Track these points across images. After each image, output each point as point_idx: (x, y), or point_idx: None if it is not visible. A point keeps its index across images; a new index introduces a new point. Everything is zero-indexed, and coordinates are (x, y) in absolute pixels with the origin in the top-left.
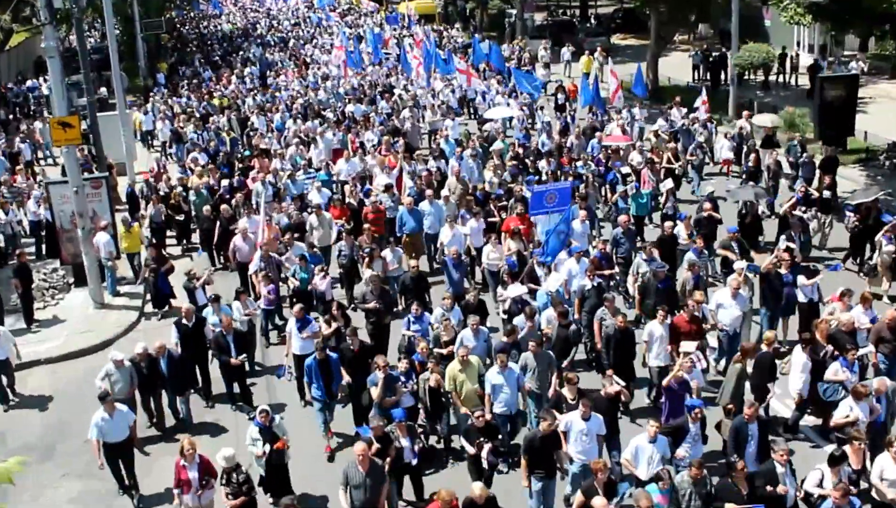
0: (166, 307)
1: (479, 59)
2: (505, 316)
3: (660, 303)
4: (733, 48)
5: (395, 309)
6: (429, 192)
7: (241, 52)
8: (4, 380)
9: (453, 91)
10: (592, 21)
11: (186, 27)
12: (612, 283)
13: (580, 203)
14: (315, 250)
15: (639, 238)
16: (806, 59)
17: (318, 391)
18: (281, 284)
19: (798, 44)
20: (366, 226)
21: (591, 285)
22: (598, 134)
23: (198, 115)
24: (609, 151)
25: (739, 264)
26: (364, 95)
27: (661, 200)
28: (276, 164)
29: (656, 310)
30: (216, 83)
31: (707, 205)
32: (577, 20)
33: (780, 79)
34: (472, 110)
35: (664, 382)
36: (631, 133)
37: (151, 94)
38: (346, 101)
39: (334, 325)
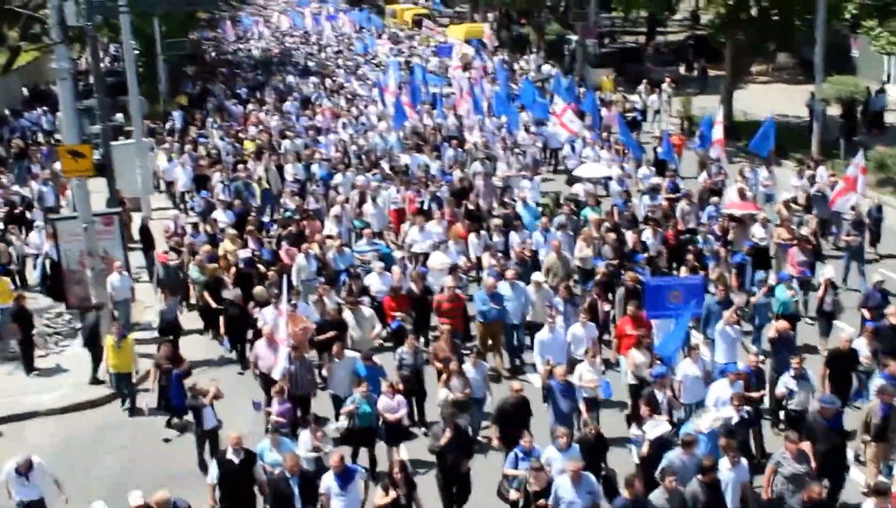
0: (177, 420)
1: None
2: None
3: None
4: (817, 80)
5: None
6: (510, 273)
7: (274, 83)
8: None
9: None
10: (662, 48)
11: (211, 52)
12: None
13: (720, 294)
14: (374, 361)
15: None
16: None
17: None
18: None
19: (888, 77)
20: (439, 325)
21: (737, 418)
22: (713, 199)
23: (228, 160)
24: (731, 222)
25: None
26: (424, 141)
27: (820, 292)
28: (330, 228)
29: None
30: (245, 121)
31: (892, 310)
32: (642, 47)
33: None
34: (555, 163)
35: None
36: (755, 199)
37: (160, 132)
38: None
39: (392, 494)
